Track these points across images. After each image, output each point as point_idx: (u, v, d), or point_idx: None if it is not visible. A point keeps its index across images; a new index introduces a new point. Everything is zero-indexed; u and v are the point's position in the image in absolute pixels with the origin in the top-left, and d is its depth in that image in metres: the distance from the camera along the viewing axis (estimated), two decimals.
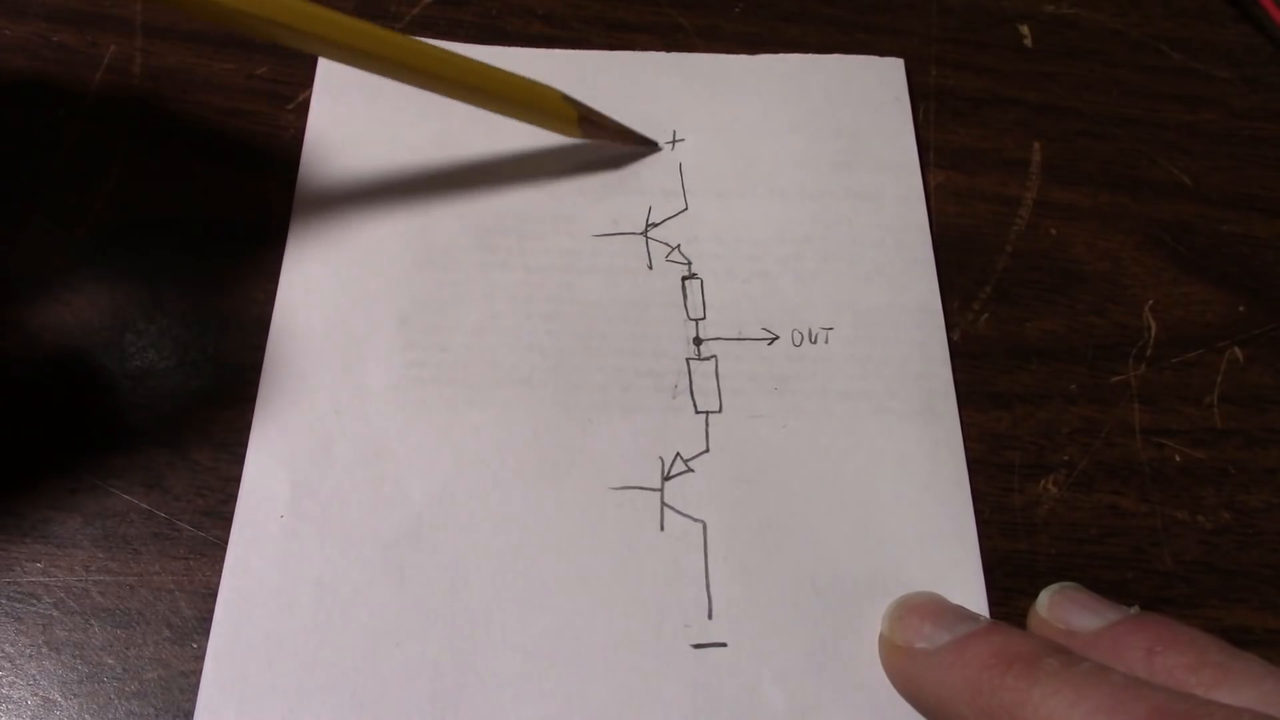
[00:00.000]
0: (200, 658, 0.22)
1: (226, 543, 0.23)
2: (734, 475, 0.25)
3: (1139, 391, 0.27)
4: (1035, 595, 0.23)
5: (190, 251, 0.27)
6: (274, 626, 0.23)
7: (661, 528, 0.24)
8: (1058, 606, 0.22)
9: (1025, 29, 0.33)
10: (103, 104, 0.29)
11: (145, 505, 0.24)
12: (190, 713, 0.22)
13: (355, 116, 0.29)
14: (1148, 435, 0.27)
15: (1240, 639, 0.24)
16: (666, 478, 0.25)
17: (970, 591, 0.24)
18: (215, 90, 0.30)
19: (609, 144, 0.29)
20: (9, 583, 0.23)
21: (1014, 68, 0.32)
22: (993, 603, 0.24)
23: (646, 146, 0.29)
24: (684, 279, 0.28)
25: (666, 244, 0.28)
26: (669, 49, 0.31)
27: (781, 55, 0.31)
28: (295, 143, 0.29)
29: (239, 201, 0.28)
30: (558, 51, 0.31)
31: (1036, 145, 0.31)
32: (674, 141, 0.30)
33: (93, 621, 0.23)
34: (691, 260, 0.28)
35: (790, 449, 0.26)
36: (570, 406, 0.26)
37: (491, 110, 0.27)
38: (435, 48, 0.26)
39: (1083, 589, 0.23)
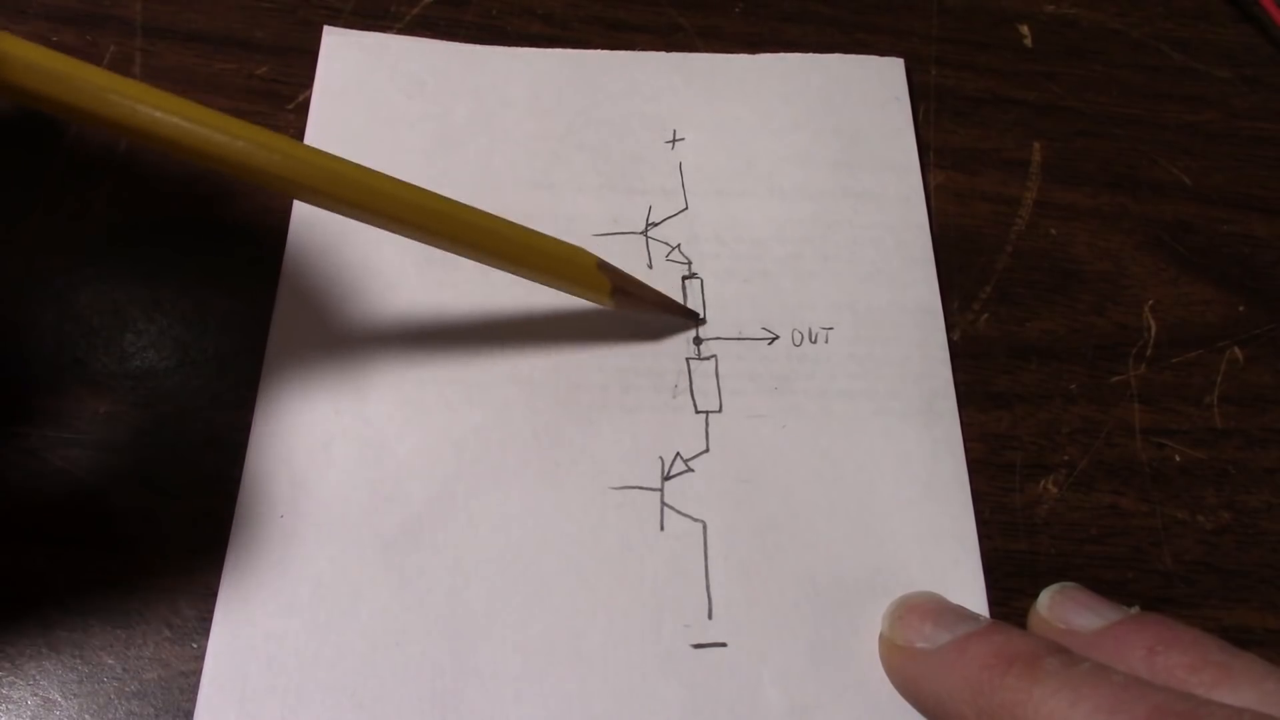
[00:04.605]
0: (200, 658, 0.22)
1: (226, 543, 0.23)
2: (734, 475, 0.25)
3: (1139, 391, 0.27)
4: (1035, 595, 0.23)
5: (190, 251, 0.27)
6: (274, 626, 0.23)
7: (661, 528, 0.24)
8: (1058, 606, 0.22)
9: (1025, 29, 0.33)
10: None
11: (145, 505, 0.24)
12: (190, 713, 0.22)
13: (355, 116, 0.29)
14: (1148, 435, 0.27)
15: (1240, 639, 0.24)
16: (666, 478, 0.25)
17: (970, 591, 0.24)
18: (215, 90, 0.30)
19: (643, 313, 0.26)
20: (8, 583, 0.23)
21: (1014, 68, 0.32)
22: (993, 603, 0.24)
23: (687, 318, 0.27)
24: (684, 278, 0.28)
25: (666, 243, 0.28)
26: (669, 49, 0.31)
27: (781, 55, 0.31)
28: None
29: (239, 202, 0.28)
30: (558, 51, 0.31)
31: (1036, 145, 0.31)
32: (674, 141, 0.30)
33: (93, 621, 0.23)
34: (691, 260, 0.28)
35: (790, 449, 0.26)
36: (570, 406, 0.26)
37: (515, 274, 0.24)
38: (460, 206, 0.23)
39: (1083, 589, 0.23)
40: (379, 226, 0.22)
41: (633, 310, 0.26)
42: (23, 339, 0.26)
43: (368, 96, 0.29)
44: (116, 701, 0.22)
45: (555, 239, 0.24)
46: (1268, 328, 0.29)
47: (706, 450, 0.25)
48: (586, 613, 0.23)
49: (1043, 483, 0.26)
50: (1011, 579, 0.25)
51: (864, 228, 0.29)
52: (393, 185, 0.22)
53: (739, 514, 0.25)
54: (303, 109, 0.29)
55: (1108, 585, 0.25)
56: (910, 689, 0.22)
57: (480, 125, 0.29)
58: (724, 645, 0.23)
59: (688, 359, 0.27)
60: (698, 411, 0.26)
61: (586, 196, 0.29)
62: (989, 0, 0.34)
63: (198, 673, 0.22)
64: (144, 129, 0.19)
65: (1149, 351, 0.28)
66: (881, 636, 0.23)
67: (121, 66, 0.30)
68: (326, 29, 0.30)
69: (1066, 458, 0.26)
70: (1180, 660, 0.19)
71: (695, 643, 0.23)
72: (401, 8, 0.31)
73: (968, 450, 0.26)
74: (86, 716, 0.22)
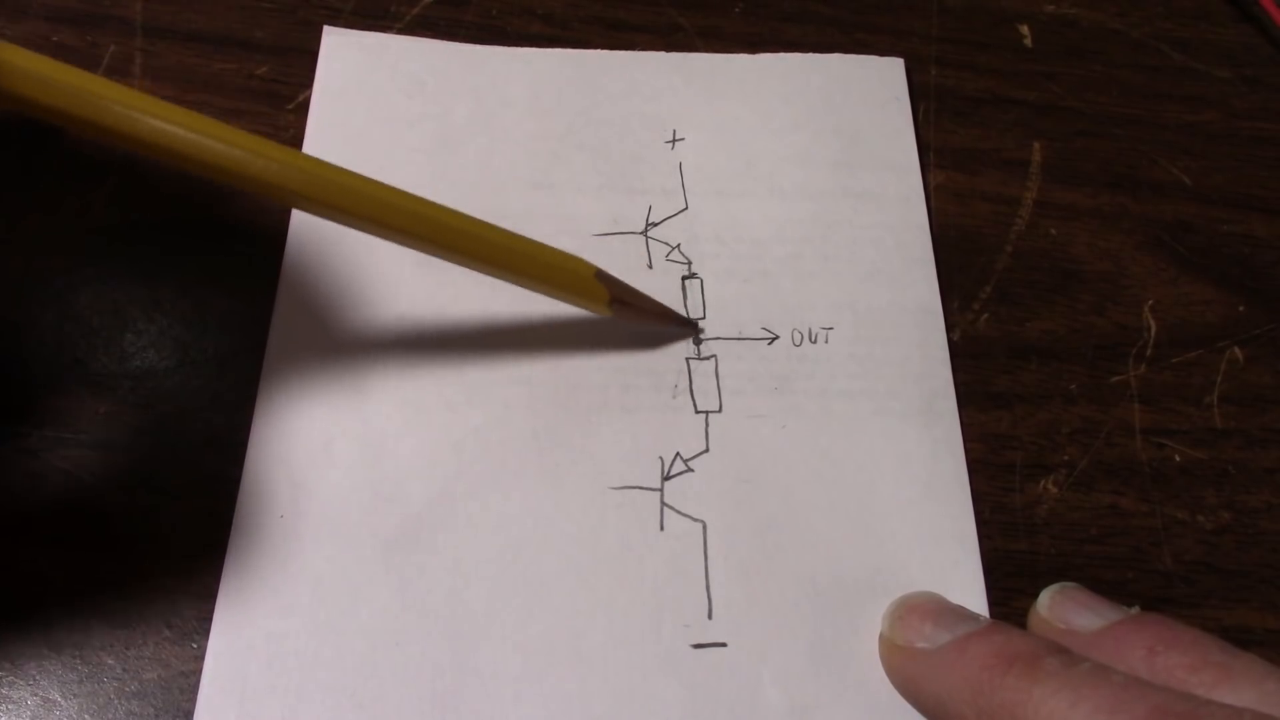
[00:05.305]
0: (200, 658, 0.22)
1: (226, 543, 0.23)
2: (734, 475, 0.25)
3: (1139, 391, 0.27)
4: (1035, 595, 0.23)
5: (190, 251, 0.27)
6: (274, 626, 0.23)
7: (661, 528, 0.24)
8: (1058, 606, 0.22)
9: (1025, 29, 0.33)
10: None
11: (145, 506, 0.24)
12: (190, 713, 0.22)
13: (355, 116, 0.29)
14: (1148, 435, 0.27)
15: (1240, 639, 0.24)
16: (666, 478, 0.25)
17: (970, 591, 0.24)
18: (215, 90, 0.30)
19: (642, 323, 0.26)
20: (8, 583, 0.23)
21: (1014, 68, 0.32)
22: (993, 603, 0.24)
23: (685, 328, 0.27)
24: (684, 278, 0.28)
25: (666, 243, 0.28)
26: (669, 49, 0.31)
27: (781, 55, 0.31)
28: (295, 143, 0.29)
29: (239, 201, 0.28)
30: (558, 51, 0.31)
31: (1036, 145, 0.31)
32: (674, 141, 0.30)
33: (93, 621, 0.23)
34: (691, 260, 0.28)
35: (790, 449, 0.26)
36: (570, 406, 0.26)
37: (513, 284, 0.24)
38: (457, 215, 0.22)
39: (1083, 589, 0.23)
40: (376, 235, 0.22)
41: (631, 320, 0.26)
42: (23, 339, 0.26)
43: (368, 96, 0.29)
44: (116, 701, 0.22)
45: (553, 249, 0.24)
46: (1268, 328, 0.29)
47: (706, 450, 0.25)
48: (586, 613, 0.23)
49: (1043, 483, 0.26)
50: (1011, 579, 0.25)
51: (864, 228, 0.29)
52: (390, 194, 0.22)
53: (739, 514, 0.25)
54: (303, 109, 0.29)
55: (1108, 585, 0.25)
56: (910, 689, 0.22)
57: (480, 125, 0.29)
58: (724, 645, 0.23)
59: (687, 359, 0.27)
60: (698, 411, 0.26)
61: (586, 196, 0.29)
62: (989, 0, 0.34)
63: (198, 673, 0.22)
64: (141, 137, 0.19)
65: (1149, 351, 0.28)
66: (881, 636, 0.23)
67: (121, 66, 0.30)
68: (326, 29, 0.30)
69: (1066, 458, 0.26)
70: (1180, 660, 0.19)
71: (695, 643, 0.23)
72: (401, 8, 0.31)
73: (968, 450, 0.26)
74: (86, 716, 0.22)
